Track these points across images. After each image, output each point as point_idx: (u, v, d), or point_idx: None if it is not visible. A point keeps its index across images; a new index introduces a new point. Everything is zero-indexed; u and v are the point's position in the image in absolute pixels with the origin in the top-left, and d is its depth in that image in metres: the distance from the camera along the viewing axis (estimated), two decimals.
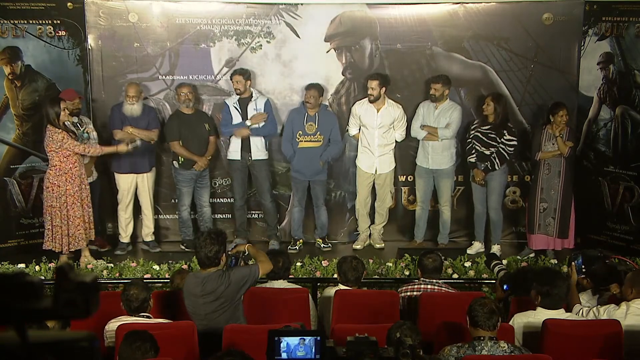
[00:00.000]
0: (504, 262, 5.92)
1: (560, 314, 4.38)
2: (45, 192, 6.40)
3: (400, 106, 7.10)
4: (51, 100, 6.37)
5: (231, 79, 6.96)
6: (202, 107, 7.27)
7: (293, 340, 3.12)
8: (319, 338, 3.14)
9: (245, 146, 7.04)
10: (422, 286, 5.06)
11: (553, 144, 6.73)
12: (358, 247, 7.32)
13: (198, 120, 7.03)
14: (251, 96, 6.99)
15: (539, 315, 4.37)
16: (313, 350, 3.12)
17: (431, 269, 5.11)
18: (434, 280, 5.09)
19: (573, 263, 4.89)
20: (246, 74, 6.94)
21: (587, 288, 4.98)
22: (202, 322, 4.33)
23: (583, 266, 4.85)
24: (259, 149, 7.07)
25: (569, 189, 6.82)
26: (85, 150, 6.40)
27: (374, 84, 6.91)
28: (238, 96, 6.98)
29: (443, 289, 5.07)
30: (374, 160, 7.12)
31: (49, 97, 6.59)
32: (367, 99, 7.04)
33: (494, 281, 5.61)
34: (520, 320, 4.44)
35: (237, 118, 6.98)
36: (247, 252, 4.67)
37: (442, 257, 5.42)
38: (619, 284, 4.74)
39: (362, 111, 7.06)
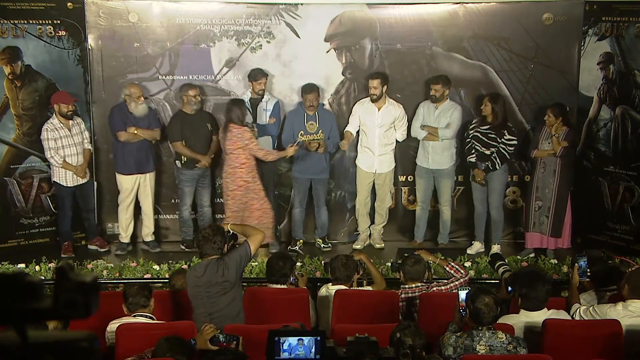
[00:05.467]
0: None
1: (543, 314, 4.34)
2: (226, 192, 6.63)
3: (401, 106, 7.10)
4: (236, 101, 6.66)
5: (255, 81, 6.93)
6: (203, 108, 7.25)
7: (292, 341, 3.12)
8: (319, 338, 3.14)
9: None
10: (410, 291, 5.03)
11: (549, 143, 6.74)
12: (358, 247, 7.31)
13: (200, 120, 7.02)
14: (262, 97, 7.00)
15: (522, 318, 4.34)
16: (313, 350, 3.11)
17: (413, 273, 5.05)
18: (418, 284, 5.05)
19: (576, 264, 4.85)
20: (266, 75, 7.01)
21: (589, 289, 4.95)
22: (204, 307, 4.47)
23: (588, 269, 4.82)
24: None
25: (564, 188, 6.82)
26: (264, 156, 6.61)
27: (375, 82, 6.91)
28: (249, 96, 7.00)
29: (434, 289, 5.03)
30: (374, 160, 7.12)
31: (234, 99, 6.82)
32: (368, 98, 7.05)
33: (495, 281, 5.59)
34: (505, 322, 4.36)
35: (247, 118, 6.98)
36: (231, 232, 4.72)
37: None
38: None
39: (363, 110, 7.06)
